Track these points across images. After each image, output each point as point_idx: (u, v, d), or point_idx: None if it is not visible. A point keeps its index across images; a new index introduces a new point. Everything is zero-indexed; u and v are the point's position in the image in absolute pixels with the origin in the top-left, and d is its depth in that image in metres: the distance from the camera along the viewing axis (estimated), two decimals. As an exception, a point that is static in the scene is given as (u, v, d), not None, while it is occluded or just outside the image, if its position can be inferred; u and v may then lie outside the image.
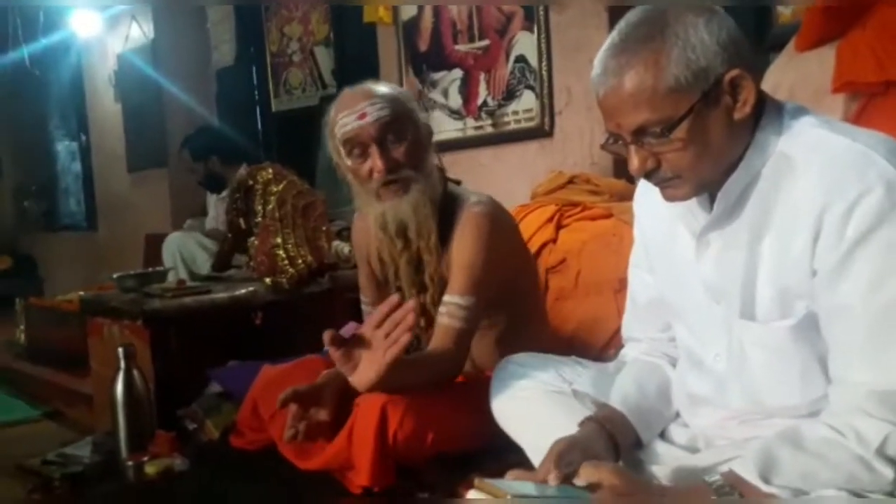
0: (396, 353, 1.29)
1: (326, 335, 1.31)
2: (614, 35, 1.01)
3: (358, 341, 1.33)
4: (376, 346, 1.31)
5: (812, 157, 0.97)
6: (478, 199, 1.59)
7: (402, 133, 1.53)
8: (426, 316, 1.62)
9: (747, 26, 2.34)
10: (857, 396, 0.93)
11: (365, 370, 1.32)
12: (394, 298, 1.34)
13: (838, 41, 1.77)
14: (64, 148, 6.35)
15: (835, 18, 1.81)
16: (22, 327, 3.61)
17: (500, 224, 1.60)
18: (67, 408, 2.82)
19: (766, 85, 1.85)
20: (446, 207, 1.59)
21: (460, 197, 1.61)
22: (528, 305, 1.73)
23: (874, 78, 1.67)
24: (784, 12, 2.28)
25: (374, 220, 1.59)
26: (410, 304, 1.32)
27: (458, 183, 1.71)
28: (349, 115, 1.52)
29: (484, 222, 1.55)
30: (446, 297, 1.53)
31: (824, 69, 1.77)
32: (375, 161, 1.51)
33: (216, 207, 3.60)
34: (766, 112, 1.02)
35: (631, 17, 1.01)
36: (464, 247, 1.54)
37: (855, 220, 0.91)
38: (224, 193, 3.54)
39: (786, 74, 1.87)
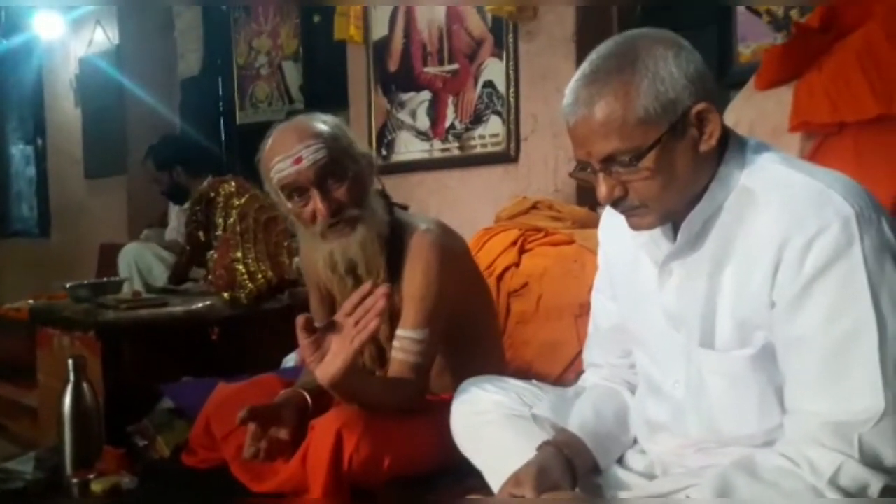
0: (364, 338, 1.26)
1: (300, 319, 1.27)
2: (585, 66, 1.03)
3: (329, 328, 1.29)
4: (345, 333, 1.27)
5: (773, 192, 1.00)
6: (426, 228, 1.55)
7: (341, 173, 1.47)
8: (380, 351, 1.59)
9: (709, 64, 2.41)
10: (812, 427, 0.95)
11: (331, 360, 1.28)
12: (366, 286, 1.30)
13: (795, 82, 1.84)
14: (18, 151, 6.18)
15: (792, 60, 1.87)
16: (-36, 335, 3.48)
17: (450, 252, 1.56)
18: (9, 421, 2.73)
19: (727, 121, 1.87)
20: (394, 236, 1.55)
21: (409, 224, 1.57)
22: (482, 329, 1.72)
23: (828, 119, 1.73)
24: (744, 52, 2.35)
25: (322, 261, 1.54)
26: (383, 289, 1.28)
27: (404, 208, 1.67)
28: (284, 160, 1.45)
29: (434, 252, 1.52)
30: (399, 332, 1.49)
31: (782, 108, 1.83)
32: (317, 205, 1.45)
33: (178, 218, 3.54)
34: (730, 147, 1.05)
35: (602, 48, 1.03)
36: (414, 279, 1.51)
37: (813, 255, 0.94)
38: (187, 205, 3.49)
39: (745, 112, 1.92)
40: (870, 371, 0.92)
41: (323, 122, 1.52)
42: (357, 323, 1.27)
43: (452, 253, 1.58)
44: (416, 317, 1.49)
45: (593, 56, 1.03)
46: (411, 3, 3.00)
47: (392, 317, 1.53)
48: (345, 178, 1.48)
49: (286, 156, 1.45)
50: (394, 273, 1.53)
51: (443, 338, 1.55)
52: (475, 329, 1.68)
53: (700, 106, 0.99)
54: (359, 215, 1.50)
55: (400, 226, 1.57)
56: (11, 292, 4.80)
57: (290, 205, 1.50)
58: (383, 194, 1.61)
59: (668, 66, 0.98)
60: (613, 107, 0.98)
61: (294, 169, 1.45)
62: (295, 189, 1.47)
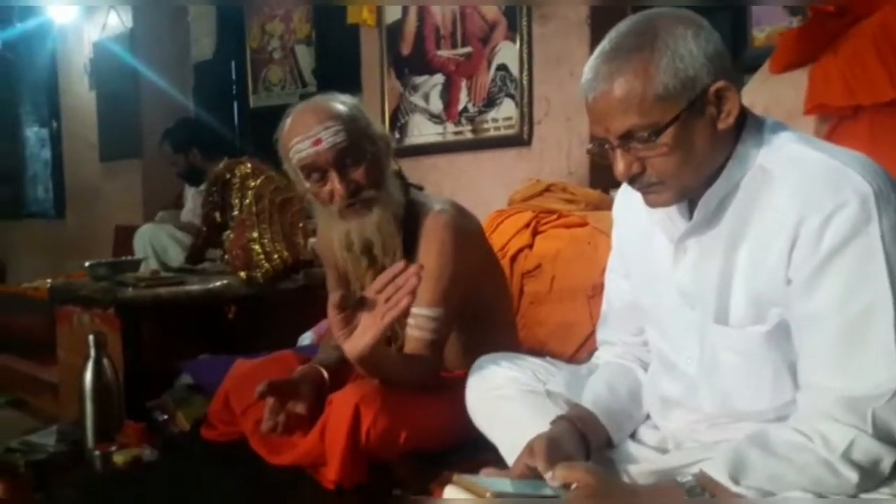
0: (395, 315, 1.28)
1: (335, 296, 1.29)
2: (605, 43, 1.04)
3: (359, 304, 1.31)
4: (377, 310, 1.29)
5: (790, 171, 1.01)
6: (441, 208, 1.58)
7: (359, 154, 1.50)
8: (393, 331, 1.60)
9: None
10: (825, 402, 0.96)
11: (360, 335, 1.30)
12: (400, 264, 1.32)
13: (811, 65, 1.83)
14: (33, 134, 6.22)
15: (808, 44, 1.87)
16: (-17, 314, 3.53)
17: (465, 232, 1.58)
18: (31, 396, 2.78)
19: (742, 104, 1.91)
20: (410, 217, 1.57)
21: (424, 205, 1.59)
22: (496, 309, 1.74)
23: (844, 102, 1.73)
24: (759, 36, 2.35)
25: (338, 240, 1.56)
26: (415, 267, 1.29)
27: (419, 188, 1.69)
28: (304, 142, 1.47)
29: (448, 232, 1.54)
30: (414, 310, 1.50)
31: (797, 92, 1.83)
32: (335, 186, 1.48)
33: (193, 200, 3.57)
34: (748, 126, 1.06)
35: (622, 26, 1.04)
36: (430, 258, 1.52)
37: (830, 233, 0.95)
38: (202, 186, 3.51)
39: (760, 95, 1.92)
40: (885, 347, 0.93)
41: (342, 103, 1.54)
42: (388, 300, 1.29)
43: (467, 233, 1.60)
44: (432, 295, 1.51)
45: (613, 34, 1.04)
46: (420, 3, 3.00)
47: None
48: (362, 159, 1.50)
49: (305, 137, 1.48)
50: (409, 253, 1.56)
51: (457, 316, 1.57)
52: (489, 308, 1.70)
53: (719, 84, 1.00)
54: (375, 196, 1.52)
55: (415, 206, 1.60)
56: (28, 273, 4.86)
57: (308, 184, 1.52)
58: (399, 175, 1.63)
59: (688, 44, 0.99)
60: (633, 83, 0.99)
61: (313, 150, 1.47)
62: (314, 169, 1.50)
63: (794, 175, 1.00)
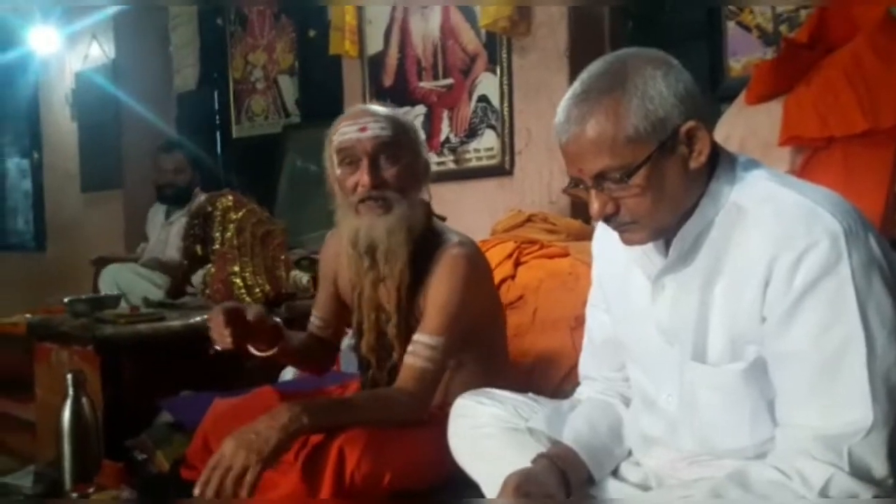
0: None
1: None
2: (577, 85, 1.05)
3: None
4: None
5: (763, 208, 1.02)
6: (459, 241, 1.59)
7: (396, 156, 1.52)
8: (381, 338, 1.61)
9: (700, 77, 2.45)
10: (802, 439, 0.96)
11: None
12: None
13: (785, 96, 1.87)
14: (14, 165, 6.19)
15: (782, 75, 1.90)
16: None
17: (477, 268, 1.59)
18: (6, 434, 2.72)
19: (718, 135, 1.93)
20: (427, 243, 1.58)
21: (443, 235, 1.60)
22: (496, 346, 1.73)
23: (817, 133, 1.76)
24: (735, 66, 2.39)
25: (346, 235, 1.58)
26: None
27: (443, 219, 1.70)
28: (350, 126, 1.51)
29: (462, 264, 1.54)
30: (416, 336, 1.51)
31: (772, 122, 1.86)
32: (363, 175, 1.50)
33: (161, 233, 3.55)
34: (720, 163, 1.07)
35: (593, 68, 1.06)
36: (440, 287, 1.53)
37: (802, 271, 0.96)
38: (172, 217, 3.51)
39: (736, 126, 1.95)
40: (859, 385, 0.94)
41: (403, 114, 1.61)
42: None
43: (480, 270, 1.61)
44: (436, 324, 1.51)
45: (584, 75, 1.05)
46: (409, 3, 3.02)
47: (409, 328, 1.56)
48: (398, 161, 1.52)
49: (353, 122, 1.52)
50: (420, 278, 1.56)
51: (457, 350, 1.57)
52: (491, 346, 1.70)
53: (689, 124, 1.01)
54: (397, 199, 1.53)
55: (434, 234, 1.61)
56: (6, 306, 4.78)
57: (339, 171, 1.54)
58: (426, 204, 1.64)
59: (658, 85, 1.00)
60: (604, 125, 1.00)
61: (356, 135, 1.50)
62: (349, 155, 1.52)
63: (766, 213, 1.01)
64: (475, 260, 1.59)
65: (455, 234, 1.63)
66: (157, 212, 3.73)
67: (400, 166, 1.53)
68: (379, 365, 1.63)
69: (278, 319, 1.68)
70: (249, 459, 1.27)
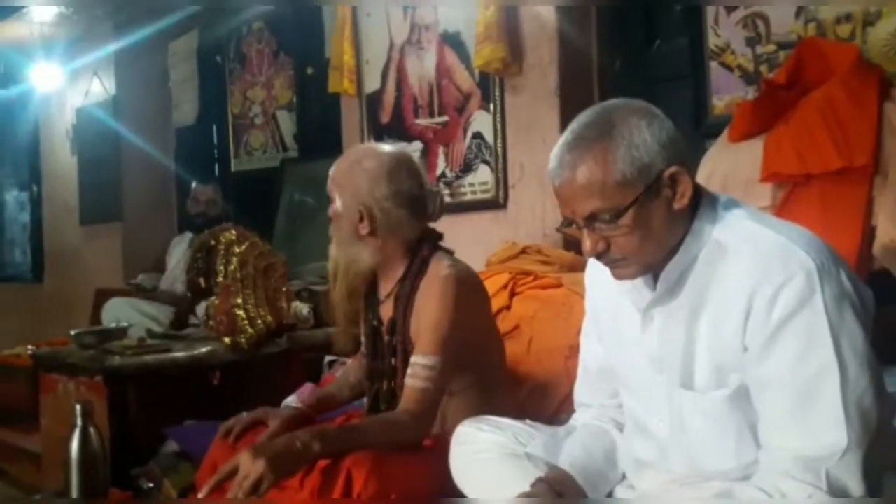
0: None
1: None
2: (568, 134, 1.14)
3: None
4: None
5: (742, 246, 1.10)
6: (449, 263, 1.65)
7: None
8: (376, 336, 1.72)
9: (685, 115, 2.55)
10: (783, 461, 1.03)
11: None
12: None
13: (766, 135, 1.95)
14: (12, 198, 6.25)
15: (762, 114, 1.99)
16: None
17: (467, 286, 1.63)
18: (10, 465, 2.75)
19: (702, 171, 2.02)
20: (426, 266, 1.65)
21: (441, 262, 1.66)
22: (494, 373, 1.78)
23: (795, 170, 1.84)
24: (718, 104, 2.49)
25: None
26: None
27: (450, 252, 1.75)
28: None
29: (449, 283, 1.59)
30: (412, 359, 1.57)
31: (754, 159, 1.94)
32: None
33: (185, 258, 3.62)
34: (703, 203, 1.15)
35: (582, 118, 1.14)
36: (429, 307, 1.58)
37: (780, 304, 1.03)
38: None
39: (720, 163, 2.04)
40: (834, 410, 1.01)
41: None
42: None
43: (469, 288, 1.65)
44: (429, 344, 1.56)
45: (574, 125, 1.14)
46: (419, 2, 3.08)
47: (406, 355, 1.62)
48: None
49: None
50: (414, 301, 1.64)
51: (458, 371, 1.62)
52: (490, 368, 1.75)
53: (672, 169, 1.10)
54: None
55: (432, 260, 1.67)
56: (4, 338, 4.81)
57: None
58: (433, 230, 1.73)
59: (643, 133, 1.09)
60: (594, 171, 1.08)
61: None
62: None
63: (746, 250, 1.09)
64: (462, 278, 1.63)
65: (451, 259, 1.69)
66: (183, 240, 3.86)
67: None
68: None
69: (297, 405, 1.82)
70: (265, 471, 1.33)
